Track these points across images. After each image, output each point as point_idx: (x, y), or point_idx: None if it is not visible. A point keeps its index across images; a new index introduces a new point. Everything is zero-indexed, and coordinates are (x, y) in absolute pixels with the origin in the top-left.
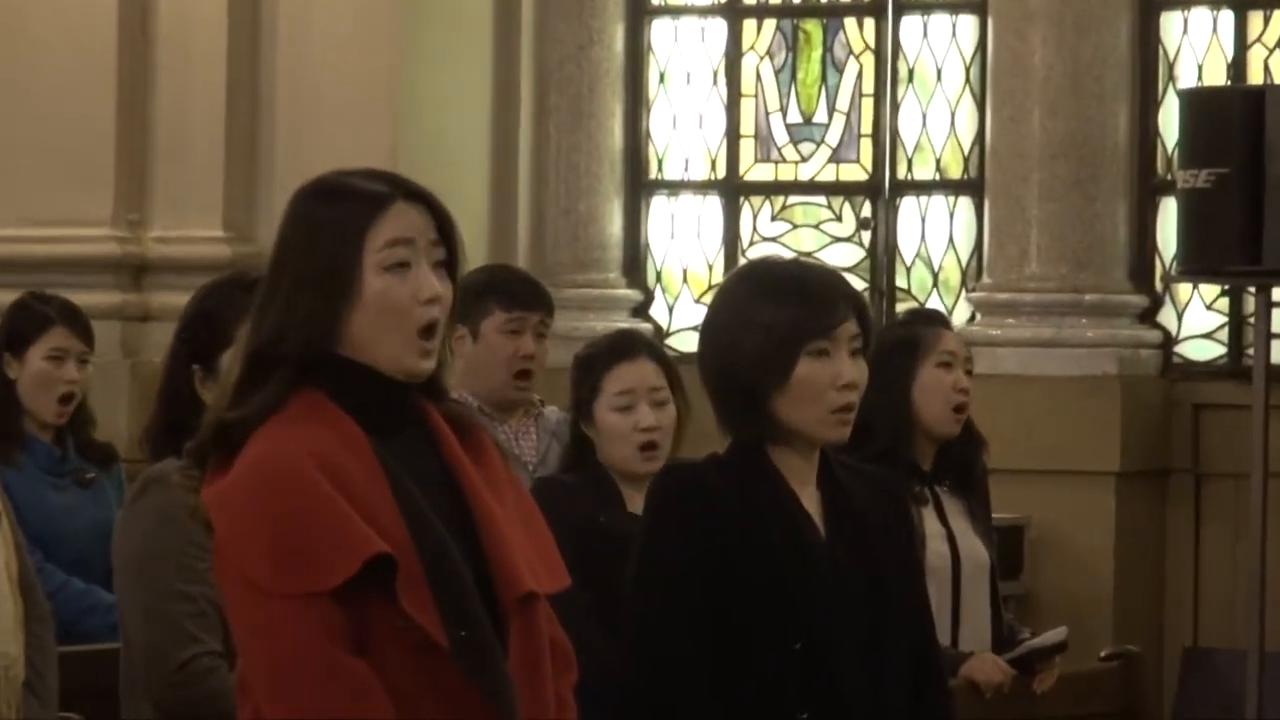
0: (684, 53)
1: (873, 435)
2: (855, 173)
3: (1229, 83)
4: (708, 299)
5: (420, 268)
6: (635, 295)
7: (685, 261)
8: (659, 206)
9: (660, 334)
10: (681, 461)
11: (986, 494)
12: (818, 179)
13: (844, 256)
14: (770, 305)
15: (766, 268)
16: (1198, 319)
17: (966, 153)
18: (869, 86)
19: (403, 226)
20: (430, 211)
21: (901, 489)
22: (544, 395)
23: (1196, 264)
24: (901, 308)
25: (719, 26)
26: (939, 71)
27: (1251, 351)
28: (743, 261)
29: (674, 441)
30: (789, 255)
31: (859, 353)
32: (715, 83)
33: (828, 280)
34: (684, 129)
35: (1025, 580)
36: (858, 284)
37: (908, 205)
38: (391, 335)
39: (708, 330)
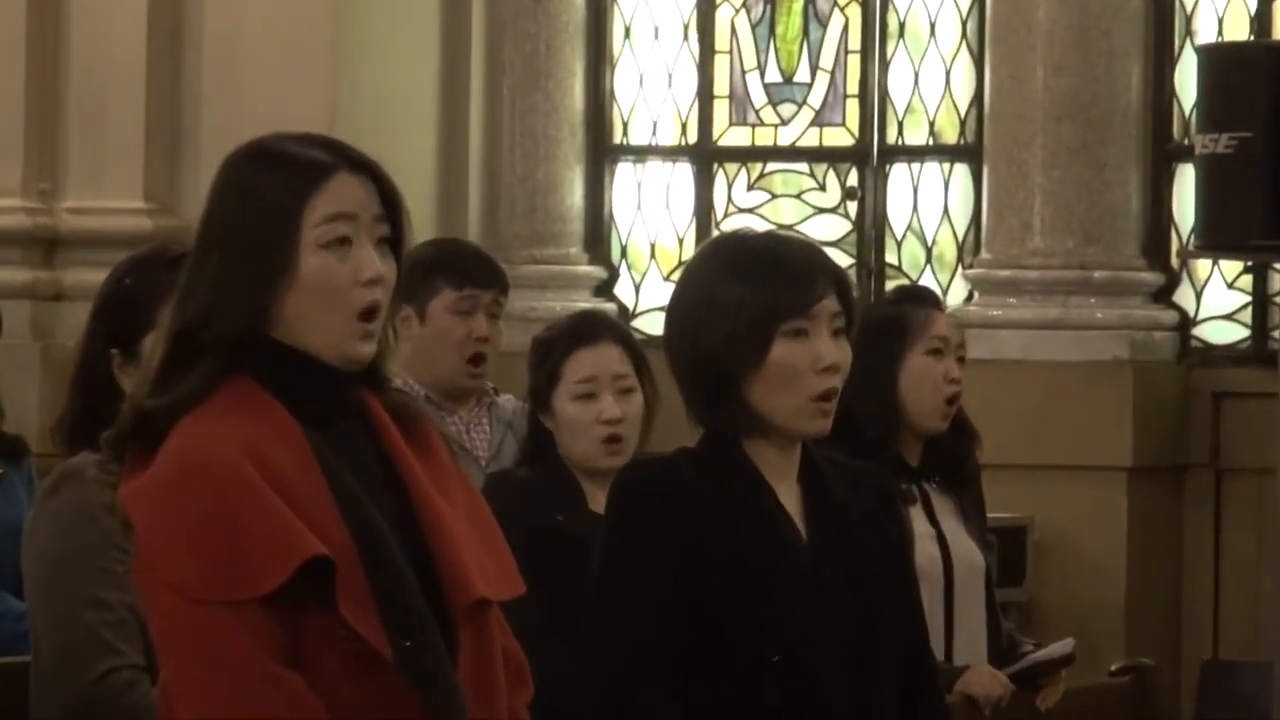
0: (651, 5)
1: (855, 427)
2: (840, 137)
3: (1252, 37)
4: (677, 276)
5: (362, 245)
6: (598, 272)
7: (653, 235)
8: (624, 175)
9: (625, 315)
10: (648, 456)
11: (979, 492)
12: (799, 144)
13: (828, 229)
14: (742, 282)
15: (738, 241)
16: (1218, 298)
17: (963, 115)
18: (855, 42)
19: (344, 200)
20: (375, 184)
21: (891, 484)
22: (497, 382)
23: (1216, 237)
24: (892, 286)
25: None
26: (932, 26)
27: (1278, 334)
28: (715, 235)
29: (640, 434)
30: (765, 228)
31: (841, 333)
32: (686, 38)
33: (805, 254)
34: (651, 89)
35: (1028, 587)
36: (843, 260)
37: (898, 173)
38: (329, 318)
39: (675, 310)
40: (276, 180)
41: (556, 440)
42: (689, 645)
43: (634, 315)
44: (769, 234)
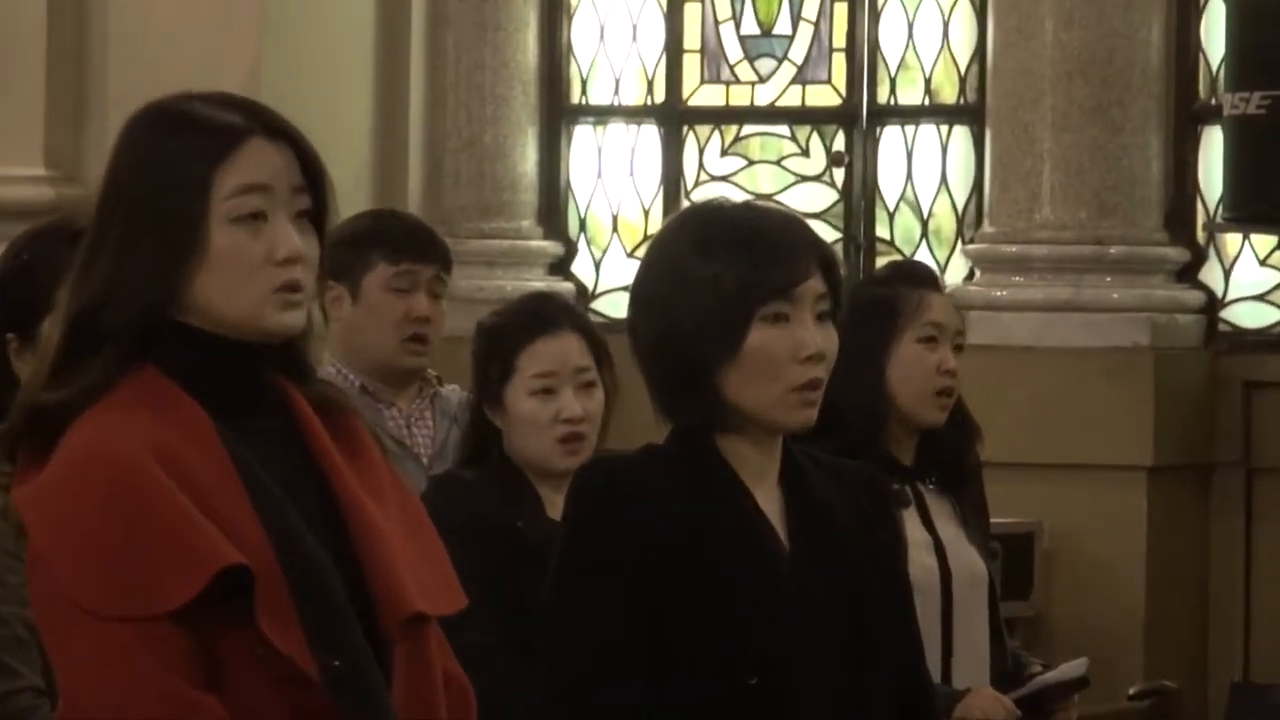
0: None
1: (841, 422)
2: (825, 96)
3: None
4: (642, 253)
5: (278, 220)
6: (553, 247)
7: (615, 206)
8: (583, 139)
9: (584, 295)
10: (610, 454)
11: (981, 493)
12: (779, 105)
13: (812, 199)
14: (715, 259)
15: (711, 213)
16: (1249, 276)
17: (963, 72)
18: None
19: (258, 169)
20: (294, 151)
21: (884, 486)
22: (440, 370)
23: (1247, 208)
24: (883, 263)
25: None
26: None
27: None
28: (685, 206)
29: (600, 430)
30: (741, 198)
31: (826, 317)
32: None
33: (786, 227)
34: (613, 42)
35: (1035, 600)
36: (829, 235)
37: (890, 137)
38: (240, 300)
39: (640, 291)
40: (182, 146)
41: (505, 438)
42: (654, 664)
43: (593, 296)
44: (746, 204)
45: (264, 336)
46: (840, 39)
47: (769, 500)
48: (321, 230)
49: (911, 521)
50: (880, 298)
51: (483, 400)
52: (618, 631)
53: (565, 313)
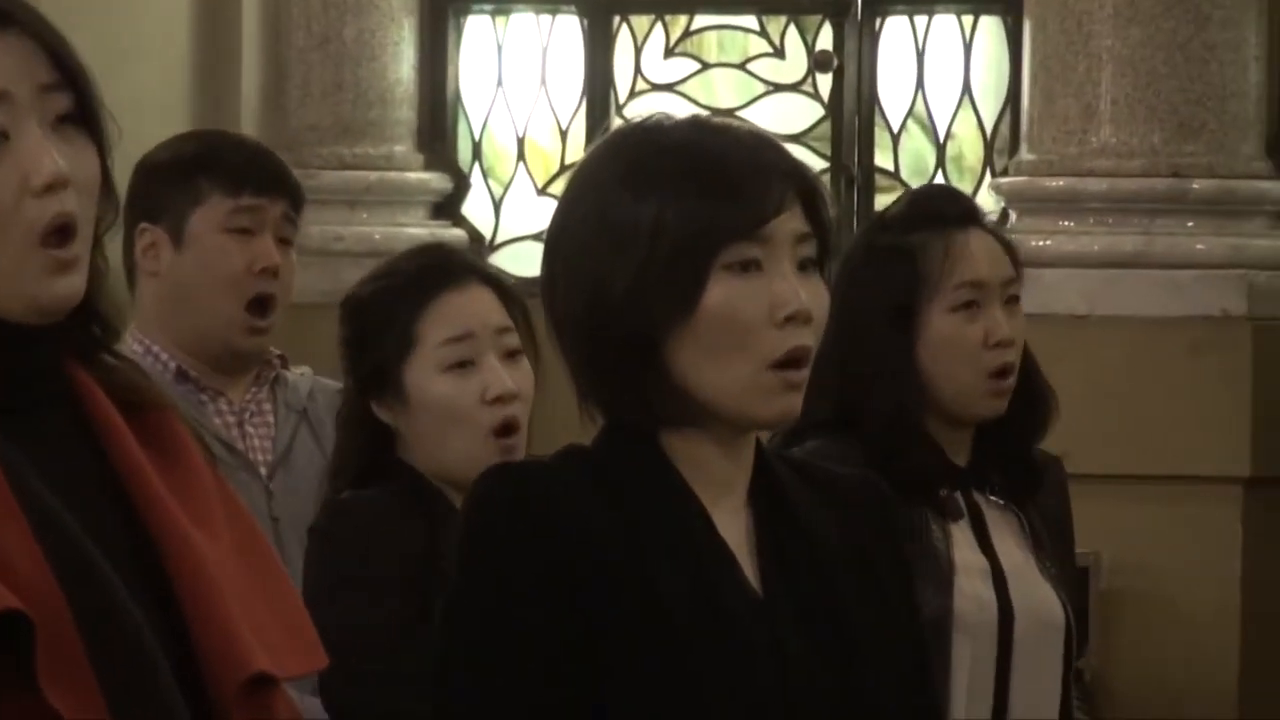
0: None
1: (855, 420)
2: None
3: None
4: (560, 188)
5: (25, 133)
6: (438, 181)
7: (521, 126)
8: (477, 33)
9: (480, 246)
10: (515, 462)
11: (1063, 503)
12: None
13: (789, 117)
14: (654, 194)
15: (648, 134)
16: None
17: None
18: None
19: None
20: (39, 42)
21: (888, 496)
22: (284, 347)
23: None
24: (886, 202)
25: None
26: None
27: None
28: (617, 125)
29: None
30: (690, 113)
31: (811, 265)
32: None
33: (752, 148)
34: None
35: (1094, 653)
36: (812, 163)
37: (894, 30)
38: None
39: (556, 240)
40: None
41: (405, 441)
42: None
43: (492, 247)
44: (696, 121)
45: (33, 315)
46: None
47: (733, 524)
48: (99, 139)
49: (964, 541)
50: (894, 250)
51: (366, 391)
52: (525, 694)
53: (467, 265)
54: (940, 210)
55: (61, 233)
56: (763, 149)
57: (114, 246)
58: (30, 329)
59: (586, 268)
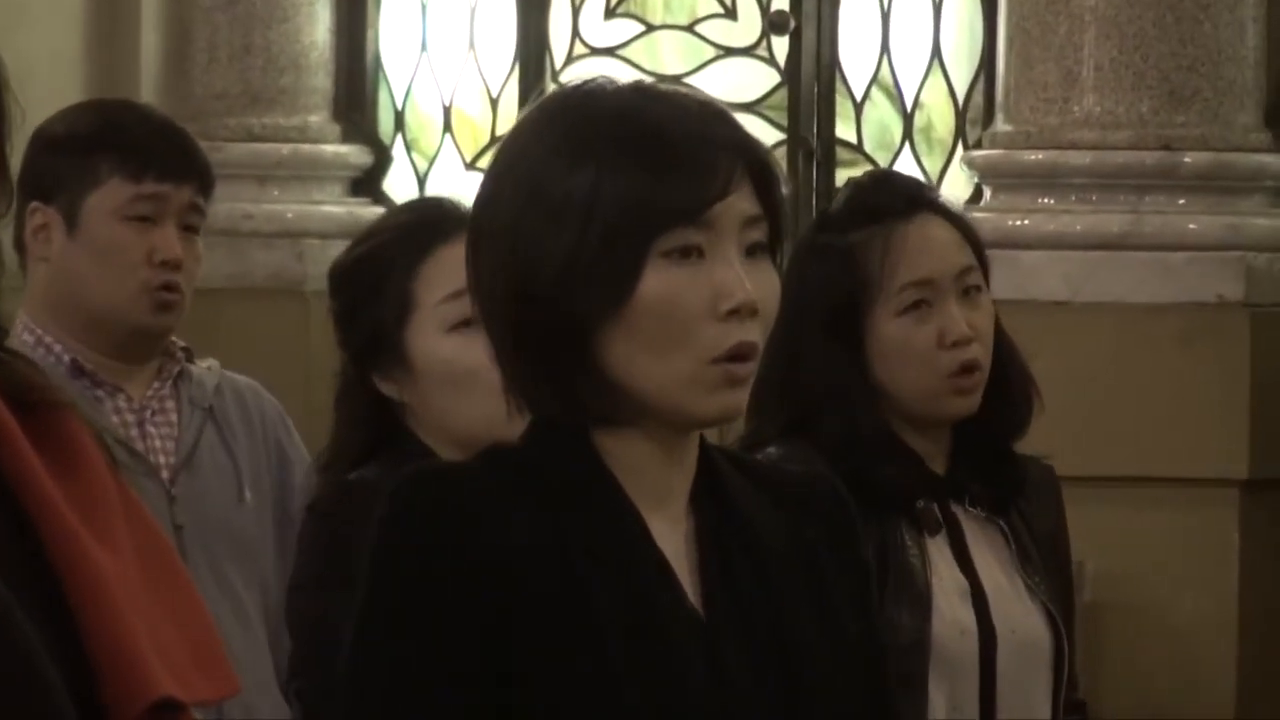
0: None
1: (811, 419)
2: None
3: None
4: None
5: None
6: (357, 155)
7: (448, 94)
8: None
9: None
10: (432, 465)
11: (1056, 510)
12: None
13: (741, 84)
14: (587, 167)
15: (582, 101)
16: None
17: None
18: None
19: None
20: None
21: (843, 495)
22: (190, 339)
23: None
24: (848, 177)
25: None
26: None
27: None
28: (550, 91)
29: None
30: (631, 79)
31: (760, 250)
32: None
33: (696, 118)
34: None
35: (1079, 669)
36: (767, 135)
37: None
38: None
39: (481, 217)
40: None
41: (411, 412)
42: None
43: None
44: (635, 86)
45: None
46: None
47: (673, 533)
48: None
49: (941, 556)
50: (832, 250)
51: (364, 367)
52: (435, 715)
53: (460, 215)
54: (879, 203)
55: None
56: (710, 120)
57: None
58: None
59: (512, 245)
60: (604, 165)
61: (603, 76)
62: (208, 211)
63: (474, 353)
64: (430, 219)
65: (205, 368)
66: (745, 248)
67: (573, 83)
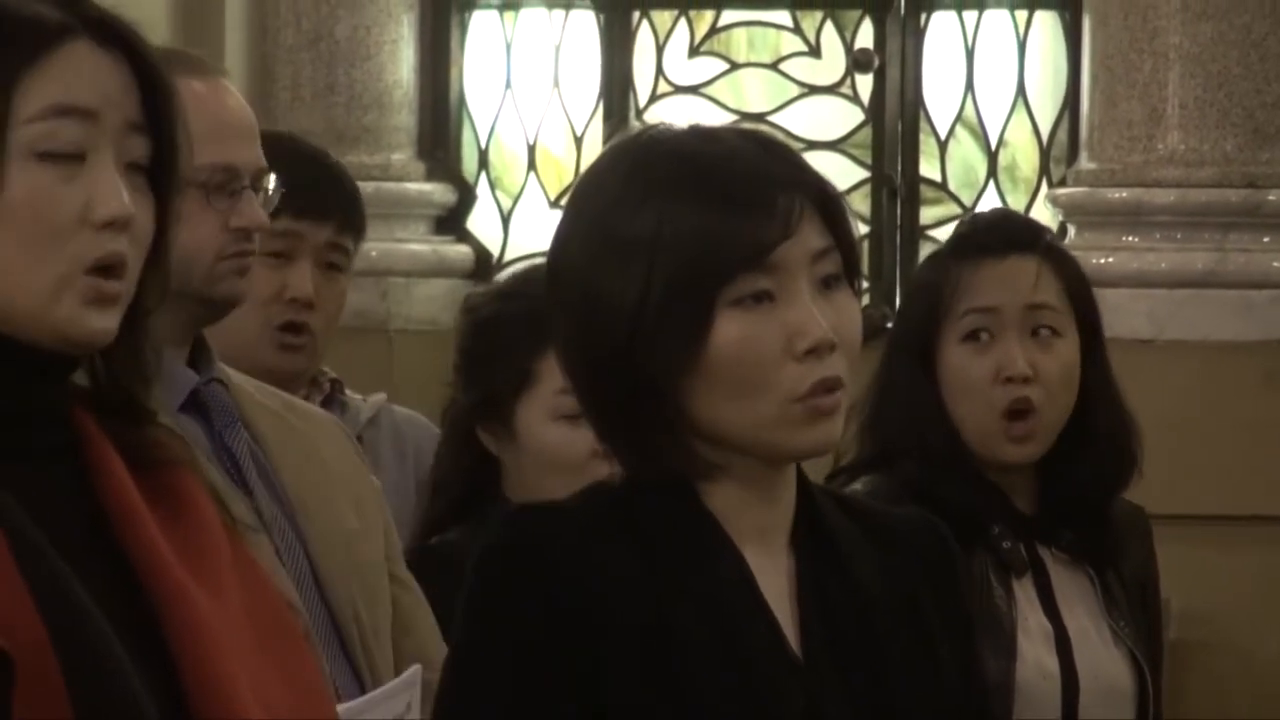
0: None
1: (892, 456)
2: None
3: None
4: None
5: (101, 164)
6: (441, 193)
7: (531, 133)
8: (484, 31)
9: (487, 264)
10: (532, 505)
11: (1149, 557)
12: None
13: (825, 121)
14: (650, 210)
15: (650, 143)
16: None
17: None
18: None
19: (80, 85)
20: (131, 65)
21: (948, 540)
22: (339, 371)
23: None
24: (933, 215)
25: None
26: None
27: None
28: (626, 131)
29: None
30: (715, 120)
31: (837, 281)
32: None
33: (757, 157)
34: None
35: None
36: (850, 173)
37: (941, 27)
38: (30, 277)
39: (556, 260)
40: None
41: (509, 475)
42: None
43: (500, 265)
44: (695, 129)
45: (62, 344)
46: None
47: (775, 575)
48: (165, 199)
49: (1027, 599)
50: (923, 281)
51: (477, 417)
52: None
53: None
54: (981, 240)
55: (109, 269)
56: (767, 159)
57: None
58: (44, 365)
59: (585, 295)
60: (665, 210)
61: (666, 123)
62: (354, 250)
63: (579, 447)
64: None
65: (376, 400)
66: (819, 281)
67: (643, 126)
